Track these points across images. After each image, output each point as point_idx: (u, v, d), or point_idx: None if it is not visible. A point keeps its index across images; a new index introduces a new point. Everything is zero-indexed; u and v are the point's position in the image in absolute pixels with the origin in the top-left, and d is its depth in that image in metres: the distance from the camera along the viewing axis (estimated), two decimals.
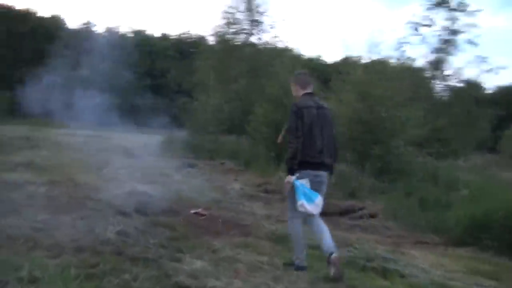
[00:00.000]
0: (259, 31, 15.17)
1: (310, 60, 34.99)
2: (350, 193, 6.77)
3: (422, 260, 4.33)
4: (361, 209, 6.16)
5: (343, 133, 8.27)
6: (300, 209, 3.38)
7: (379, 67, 8.57)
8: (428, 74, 12.98)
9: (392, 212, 5.91)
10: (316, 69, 19.74)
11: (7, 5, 36.46)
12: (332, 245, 3.42)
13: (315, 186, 3.42)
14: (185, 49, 40.94)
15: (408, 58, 10.17)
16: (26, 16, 37.39)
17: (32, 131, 20.45)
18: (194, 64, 16.27)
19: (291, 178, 3.40)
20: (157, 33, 46.09)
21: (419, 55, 12.83)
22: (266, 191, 7.21)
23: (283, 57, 14.25)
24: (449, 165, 9.72)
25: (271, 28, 15.02)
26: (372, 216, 5.97)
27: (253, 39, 15.33)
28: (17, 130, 18.80)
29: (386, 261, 4.06)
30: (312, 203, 3.38)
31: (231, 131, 12.44)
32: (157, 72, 39.38)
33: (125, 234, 4.09)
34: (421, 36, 12.66)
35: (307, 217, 3.53)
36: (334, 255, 3.33)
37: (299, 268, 3.50)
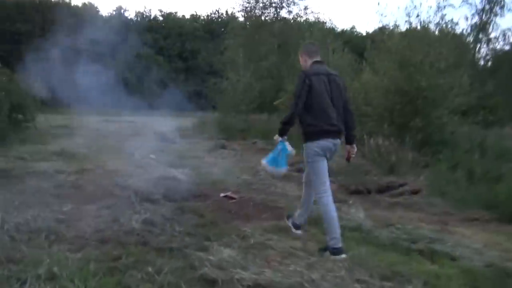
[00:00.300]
0: (289, 3, 14.62)
1: (344, 31, 33.85)
2: (390, 169, 6.33)
3: (474, 240, 3.92)
4: (402, 185, 5.74)
5: (379, 104, 7.79)
6: (262, 165, 3.68)
7: (417, 33, 7.87)
8: (471, 38, 12.03)
9: (437, 187, 5.45)
10: (350, 41, 18.95)
11: None
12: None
13: (330, 155, 3.43)
14: (215, 29, 40.75)
15: (450, 22, 9.38)
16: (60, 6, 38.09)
17: (70, 119, 21.07)
18: (223, 44, 15.96)
19: (279, 138, 3.47)
20: (186, 15, 45.88)
21: (462, 18, 11.82)
22: (299, 170, 6.86)
23: (314, 30, 13.66)
24: (496, 134, 8.98)
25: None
26: (414, 192, 5.54)
27: (283, 12, 14.81)
28: (57, 119, 19.39)
29: (433, 242, 3.71)
30: (274, 167, 3.60)
31: (263, 109, 12.10)
32: (188, 53, 39.37)
33: (151, 223, 3.93)
34: None
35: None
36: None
37: (335, 250, 3.22)
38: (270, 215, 4.56)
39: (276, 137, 3.50)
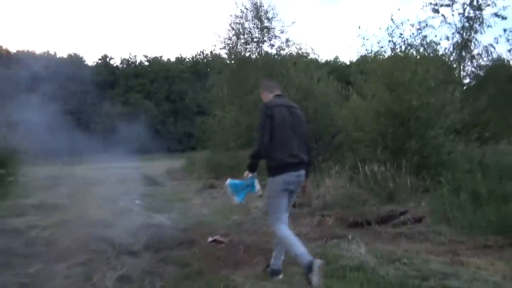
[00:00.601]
0: (270, 37, 14.60)
1: (327, 62, 34.23)
2: (388, 197, 5.93)
3: (490, 271, 3.50)
4: (403, 213, 5.32)
5: (371, 129, 7.50)
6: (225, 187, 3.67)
7: (402, 53, 7.70)
8: (455, 56, 11.97)
9: (441, 213, 5.05)
10: (335, 70, 18.98)
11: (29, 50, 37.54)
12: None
13: (294, 187, 3.43)
14: (201, 69, 41.09)
15: (431, 42, 9.27)
16: (45, 59, 38.29)
17: (58, 170, 20.59)
18: (208, 82, 15.83)
19: (248, 174, 3.46)
20: (172, 58, 46.38)
21: (443, 38, 11.73)
22: (293, 205, 6.46)
23: (297, 61, 13.58)
24: (493, 151, 8.68)
25: (282, 33, 14.44)
26: (417, 220, 5.12)
27: (265, 46, 14.76)
28: (45, 170, 18.90)
29: (446, 278, 3.29)
30: (232, 194, 3.57)
31: (251, 144, 11.76)
32: (175, 95, 39.44)
33: (128, 279, 3.49)
34: (442, 18, 11.75)
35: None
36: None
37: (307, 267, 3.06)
38: (262, 259, 4.11)
39: (246, 174, 3.49)
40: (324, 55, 54.24)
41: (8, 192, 10.22)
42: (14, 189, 10.97)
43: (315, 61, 16.35)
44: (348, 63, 29.65)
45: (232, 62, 14.97)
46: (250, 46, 14.66)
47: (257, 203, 6.97)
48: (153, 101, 38.64)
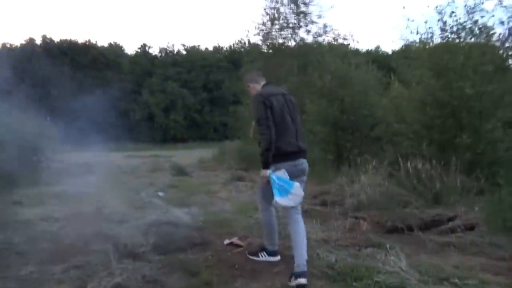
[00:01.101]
0: (307, 23, 13.79)
1: (368, 51, 32.83)
2: (434, 199, 5.13)
3: None
4: (451, 219, 4.56)
5: (414, 120, 6.68)
6: (277, 205, 3.23)
7: (453, 37, 6.75)
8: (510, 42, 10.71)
9: (498, 220, 4.25)
10: (376, 60, 17.93)
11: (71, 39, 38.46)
12: (303, 261, 3.20)
13: (297, 174, 3.29)
14: (238, 58, 40.63)
15: (484, 27, 8.16)
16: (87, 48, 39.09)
17: (95, 156, 20.89)
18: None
19: (266, 172, 3.22)
20: (209, 47, 46.19)
21: (497, 23, 10.46)
22: (324, 203, 5.83)
23: (334, 47, 12.75)
24: None
25: (319, 18, 13.58)
26: (469, 228, 4.36)
27: (301, 32, 13.97)
28: (85, 157, 19.18)
29: None
30: (289, 195, 3.15)
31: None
32: (212, 84, 39.27)
33: None
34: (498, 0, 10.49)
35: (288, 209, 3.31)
36: (301, 281, 3.07)
37: (271, 254, 3.68)
38: (284, 268, 3.54)
39: (263, 173, 3.25)
40: (364, 44, 52.30)
41: (39, 179, 10.20)
42: (45, 175, 10.98)
43: (354, 50, 15.45)
44: (390, 52, 28.18)
45: (267, 49, 14.34)
46: (285, 32, 13.94)
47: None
48: (190, 90, 38.69)
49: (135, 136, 34.79)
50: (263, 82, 3.53)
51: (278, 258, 3.68)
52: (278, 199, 3.13)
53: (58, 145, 14.16)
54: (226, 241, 4.21)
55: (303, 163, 3.35)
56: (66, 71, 35.36)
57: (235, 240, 4.20)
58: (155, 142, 32.96)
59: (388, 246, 3.83)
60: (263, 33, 14.06)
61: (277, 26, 13.80)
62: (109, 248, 3.80)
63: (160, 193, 7.75)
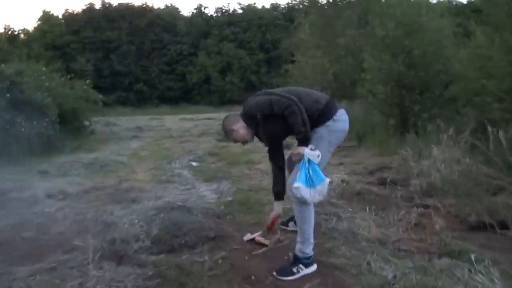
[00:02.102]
0: None
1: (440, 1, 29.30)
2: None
3: None
4: None
5: (506, 74, 5.14)
6: (294, 192, 2.50)
7: None
8: None
9: None
10: (450, 11, 15.57)
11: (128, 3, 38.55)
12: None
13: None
14: (296, 16, 38.47)
15: None
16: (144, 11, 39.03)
17: (148, 119, 20.85)
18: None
19: (303, 149, 2.52)
20: (266, 4, 44.35)
21: None
22: (382, 182, 4.58)
23: None
24: None
25: None
26: None
27: None
28: (139, 120, 19.14)
29: None
30: (312, 189, 2.50)
31: (340, 96, 9.73)
32: (269, 44, 37.72)
33: None
34: None
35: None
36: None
37: (307, 263, 2.66)
38: (321, 282, 2.52)
39: (300, 149, 2.55)
40: None
41: (81, 144, 9.89)
42: (89, 141, 10.69)
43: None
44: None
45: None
46: None
47: (335, 174, 5.26)
48: (247, 50, 37.51)
49: (192, 98, 34.66)
50: (243, 119, 2.87)
51: (315, 267, 2.69)
52: (299, 186, 2.46)
53: (102, 110, 13.94)
54: (247, 237, 3.23)
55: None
56: (124, 35, 35.66)
57: (257, 236, 3.20)
58: (212, 105, 32.63)
59: (473, 256, 2.63)
60: None
61: None
62: (92, 244, 2.96)
63: (194, 163, 6.93)
